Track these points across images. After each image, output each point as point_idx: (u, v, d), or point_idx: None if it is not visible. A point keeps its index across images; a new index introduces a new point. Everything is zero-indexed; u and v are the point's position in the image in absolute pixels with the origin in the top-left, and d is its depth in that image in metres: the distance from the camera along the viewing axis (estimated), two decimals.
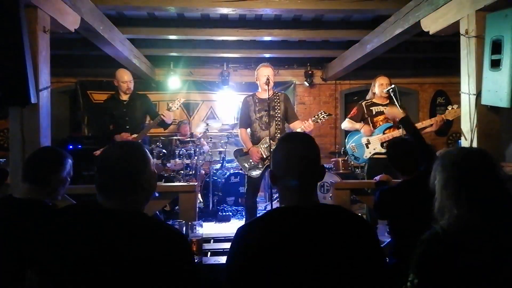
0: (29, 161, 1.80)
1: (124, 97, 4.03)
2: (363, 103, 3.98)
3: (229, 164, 5.61)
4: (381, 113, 3.87)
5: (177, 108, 4.27)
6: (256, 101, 3.63)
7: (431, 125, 3.60)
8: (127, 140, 3.69)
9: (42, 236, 1.14)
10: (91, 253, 1.06)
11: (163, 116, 3.87)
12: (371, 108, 3.92)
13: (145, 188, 1.22)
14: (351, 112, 4.09)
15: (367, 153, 3.84)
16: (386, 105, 3.89)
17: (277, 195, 5.71)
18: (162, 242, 1.12)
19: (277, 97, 3.62)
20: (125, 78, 3.98)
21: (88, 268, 1.05)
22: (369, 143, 3.84)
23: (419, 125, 3.70)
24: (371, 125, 3.89)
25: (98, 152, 4.00)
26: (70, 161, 1.84)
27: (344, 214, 1.18)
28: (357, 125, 3.92)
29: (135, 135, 3.86)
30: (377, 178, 2.70)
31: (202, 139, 5.40)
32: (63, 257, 1.07)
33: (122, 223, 1.13)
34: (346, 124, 4.06)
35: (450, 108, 3.48)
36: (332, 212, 1.18)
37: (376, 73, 4.08)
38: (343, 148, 5.06)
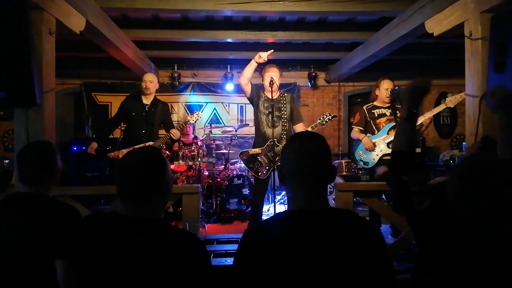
0: (21, 163, 1.72)
1: (145, 101, 4.00)
2: (365, 107, 3.97)
3: (232, 165, 5.61)
4: (383, 115, 3.86)
5: (195, 122, 4.41)
6: (265, 98, 3.61)
7: (431, 119, 3.62)
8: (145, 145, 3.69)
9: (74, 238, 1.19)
10: (117, 262, 1.09)
11: (172, 134, 4.02)
12: (373, 111, 3.91)
13: (165, 192, 1.24)
14: (355, 118, 4.07)
15: (375, 156, 3.82)
16: (387, 107, 3.88)
17: (279, 197, 5.72)
18: (183, 249, 1.14)
19: (284, 98, 3.60)
20: (145, 77, 4.02)
21: (114, 277, 1.09)
22: (374, 145, 3.82)
23: (420, 118, 3.69)
24: (374, 127, 3.88)
25: (113, 154, 3.98)
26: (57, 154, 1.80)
27: (352, 219, 1.15)
28: (360, 136, 3.92)
29: (151, 143, 3.90)
30: (380, 171, 2.71)
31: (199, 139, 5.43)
32: (91, 261, 1.11)
33: (143, 232, 1.15)
34: (353, 134, 4.08)
35: (450, 95, 3.46)
36: (340, 216, 1.15)
37: (380, 75, 4.06)
38: (352, 156, 5.04)
